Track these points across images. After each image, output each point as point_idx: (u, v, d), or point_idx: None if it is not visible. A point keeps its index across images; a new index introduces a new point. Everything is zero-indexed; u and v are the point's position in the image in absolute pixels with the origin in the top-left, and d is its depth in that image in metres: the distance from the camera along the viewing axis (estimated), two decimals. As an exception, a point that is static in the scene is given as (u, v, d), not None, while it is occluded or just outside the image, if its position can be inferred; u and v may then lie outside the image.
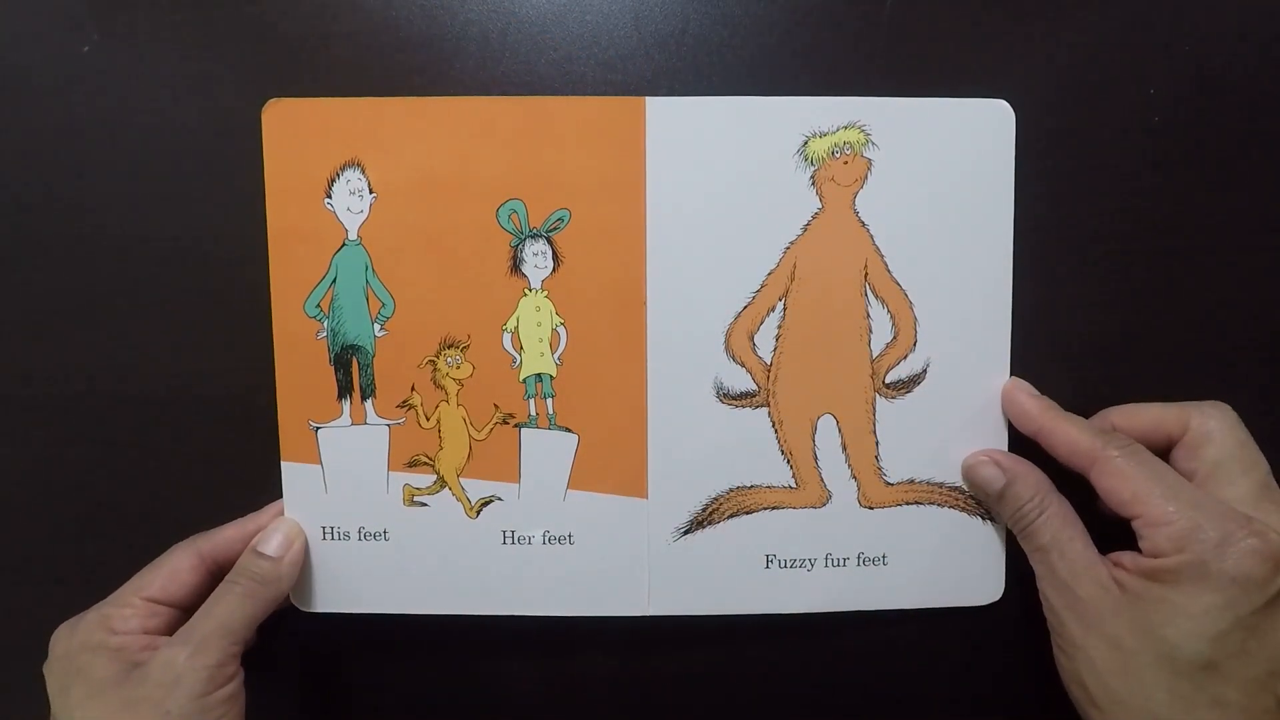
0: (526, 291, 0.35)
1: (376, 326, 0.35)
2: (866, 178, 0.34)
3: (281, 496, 0.35)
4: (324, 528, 0.35)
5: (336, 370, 0.35)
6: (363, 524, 0.35)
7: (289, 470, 0.35)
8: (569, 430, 0.35)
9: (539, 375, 0.35)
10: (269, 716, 0.38)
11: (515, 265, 0.35)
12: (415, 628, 0.36)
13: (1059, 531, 0.31)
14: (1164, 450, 0.32)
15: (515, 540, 0.35)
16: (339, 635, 0.37)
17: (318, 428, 0.35)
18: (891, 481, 0.35)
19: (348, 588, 0.35)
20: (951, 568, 0.35)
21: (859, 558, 0.35)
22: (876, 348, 0.35)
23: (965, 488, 0.35)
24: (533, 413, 0.35)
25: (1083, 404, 0.34)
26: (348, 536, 0.35)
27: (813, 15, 0.35)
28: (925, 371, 0.35)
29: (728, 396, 0.35)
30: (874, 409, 0.35)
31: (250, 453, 0.36)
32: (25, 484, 0.37)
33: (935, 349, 0.35)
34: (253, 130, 0.34)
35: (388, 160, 0.34)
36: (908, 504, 0.35)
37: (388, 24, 0.35)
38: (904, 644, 0.37)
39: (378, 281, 0.35)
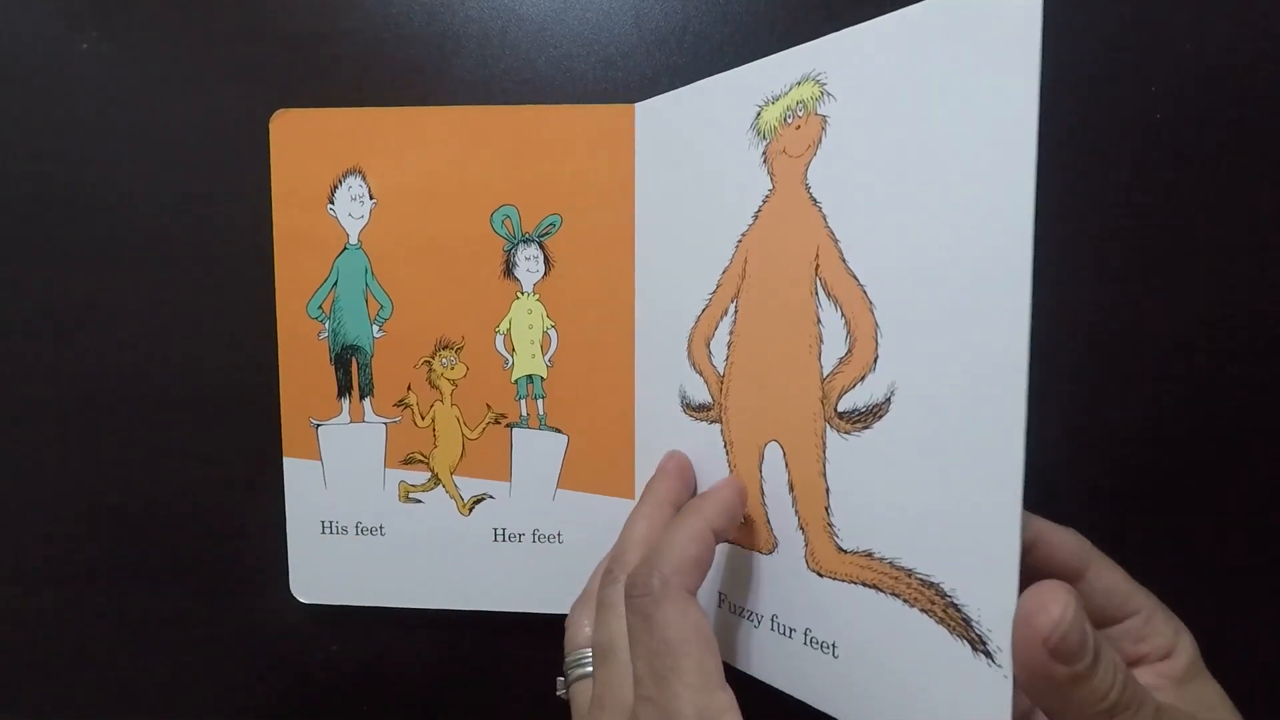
0: (519, 295, 0.36)
1: (375, 328, 0.36)
2: (820, 141, 0.26)
3: (283, 491, 0.37)
4: (323, 522, 0.36)
5: (336, 369, 0.36)
6: (360, 519, 0.36)
7: (290, 465, 0.36)
8: (559, 431, 0.36)
9: (530, 376, 0.36)
10: (264, 706, 0.40)
11: (508, 269, 0.36)
12: (408, 621, 0.37)
13: (1154, 700, 0.22)
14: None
15: (506, 538, 0.36)
16: (335, 627, 0.38)
17: (318, 425, 0.36)
18: (845, 547, 0.26)
19: (344, 581, 0.37)
20: (921, 695, 0.24)
21: (806, 636, 0.28)
22: (829, 363, 0.27)
23: (947, 590, 0.23)
24: (524, 413, 0.36)
25: (1078, 403, 0.34)
26: (345, 531, 0.36)
27: (812, 12, 0.35)
28: (888, 401, 0.25)
29: (689, 407, 0.32)
30: (824, 444, 0.27)
31: (252, 448, 0.37)
32: (28, 484, 0.39)
33: (903, 370, 0.24)
34: (252, 128, 0.35)
35: (388, 168, 0.35)
36: (864, 585, 0.26)
37: (388, 22, 0.36)
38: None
39: (377, 284, 0.36)
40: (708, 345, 0.31)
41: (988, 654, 0.22)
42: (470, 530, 0.36)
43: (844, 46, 0.26)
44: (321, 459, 0.36)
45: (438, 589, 0.37)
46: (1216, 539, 0.35)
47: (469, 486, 0.36)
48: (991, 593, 0.22)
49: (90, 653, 0.39)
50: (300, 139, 0.36)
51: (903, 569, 0.25)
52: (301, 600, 0.37)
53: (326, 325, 0.36)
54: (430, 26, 0.36)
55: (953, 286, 0.23)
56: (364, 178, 0.36)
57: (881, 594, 0.25)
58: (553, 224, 0.35)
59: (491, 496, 0.36)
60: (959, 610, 0.23)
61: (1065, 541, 0.26)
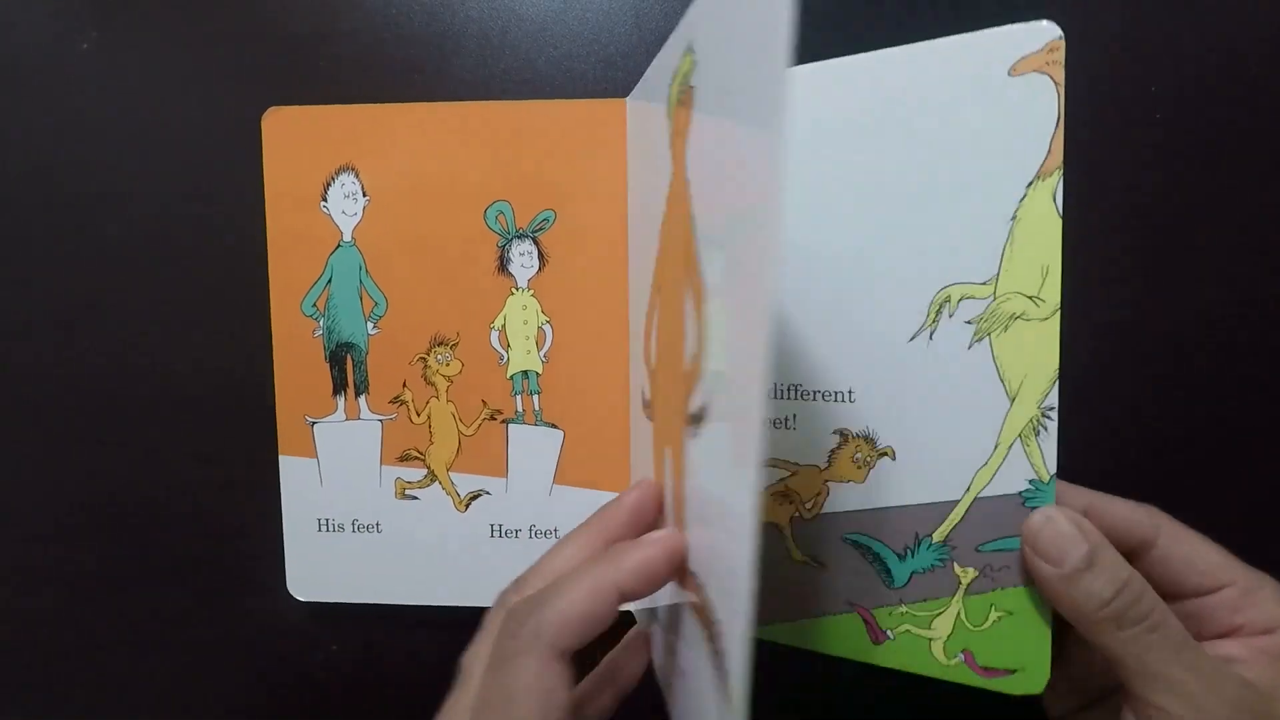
0: (513, 291, 0.36)
1: (369, 325, 0.36)
2: (691, 117, 0.24)
3: (279, 489, 0.36)
4: (319, 520, 0.36)
5: (331, 367, 0.36)
6: (356, 516, 0.36)
7: (286, 464, 0.36)
8: (554, 426, 0.36)
9: (525, 372, 0.36)
10: (263, 705, 0.40)
11: (502, 265, 0.35)
12: (406, 618, 0.37)
13: (1186, 637, 0.25)
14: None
15: (503, 534, 0.36)
16: (333, 625, 0.38)
17: (313, 422, 0.36)
18: (690, 564, 0.25)
19: (341, 578, 0.37)
20: None
21: (678, 652, 0.27)
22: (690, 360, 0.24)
23: (715, 619, 0.21)
24: (519, 409, 0.36)
25: (1077, 404, 0.33)
26: (342, 529, 0.36)
27: (814, 12, 0.34)
28: (706, 407, 0.22)
29: (645, 405, 0.31)
30: (684, 448, 0.24)
31: (248, 447, 0.37)
32: (26, 483, 0.38)
33: (720, 366, 0.21)
34: (252, 129, 0.35)
35: (380, 165, 0.35)
36: (690, 606, 0.24)
37: (388, 22, 0.36)
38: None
39: (370, 281, 0.36)
40: (649, 340, 0.30)
41: (728, 695, 0.20)
42: (467, 526, 0.36)
43: (705, 9, 0.23)
44: (317, 457, 0.36)
45: (435, 585, 0.37)
46: (1216, 539, 0.34)
47: (466, 483, 0.36)
48: (732, 627, 0.19)
49: (88, 653, 0.40)
50: (292, 136, 0.36)
51: (705, 592, 0.22)
52: (299, 598, 0.37)
53: (321, 323, 0.36)
54: (430, 26, 0.36)
55: (739, 277, 0.20)
56: (356, 175, 0.36)
57: (695, 618, 0.23)
58: (546, 219, 0.35)
59: (488, 492, 0.36)
60: (719, 642, 0.21)
61: (1124, 513, 0.27)
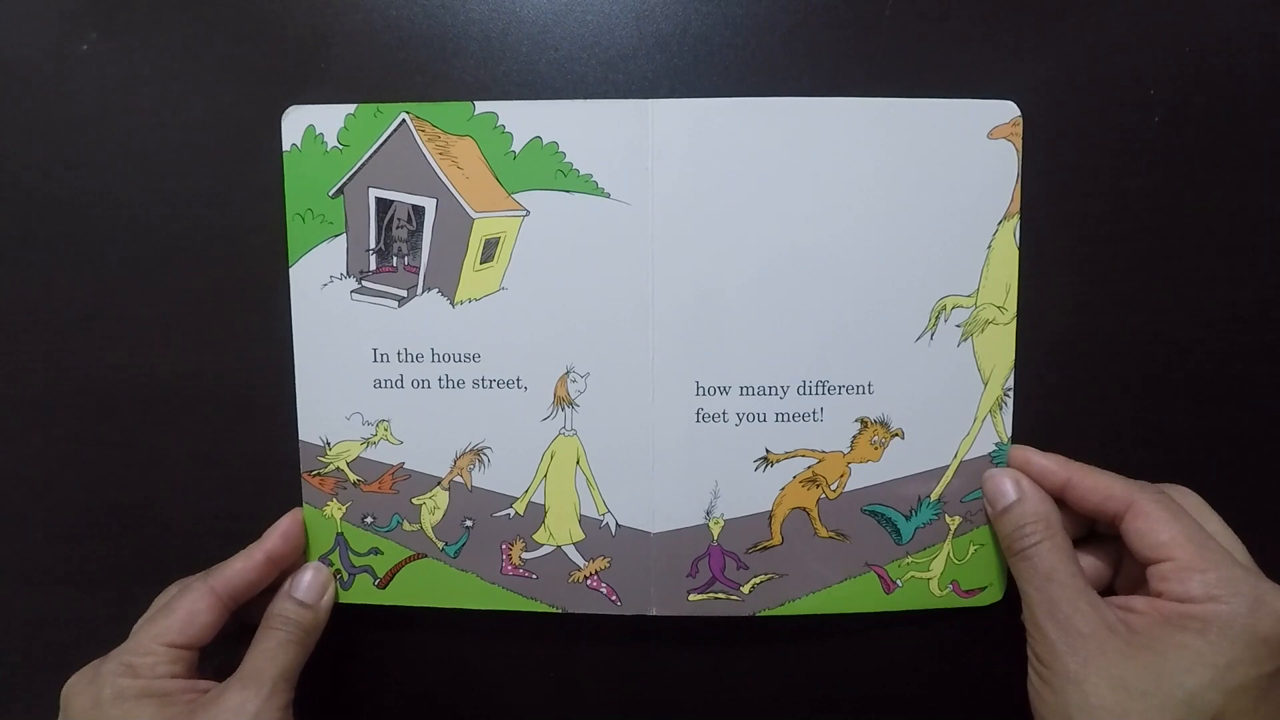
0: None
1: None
2: None
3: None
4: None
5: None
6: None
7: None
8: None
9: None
10: None
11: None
12: (413, 619, 0.37)
13: (1064, 563, 0.31)
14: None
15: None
16: (336, 626, 0.35)
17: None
18: None
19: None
20: None
21: None
22: None
23: None
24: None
25: (1086, 399, 0.36)
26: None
27: (814, 15, 0.35)
28: None
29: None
30: None
31: (260, 450, 0.36)
32: (37, 485, 0.37)
33: None
34: (253, 129, 0.34)
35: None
36: None
37: (388, 24, 0.34)
38: (901, 646, 0.39)
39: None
40: None
41: None
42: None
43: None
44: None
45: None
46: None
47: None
48: None
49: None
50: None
51: None
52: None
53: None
54: (430, 28, 0.35)
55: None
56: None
57: None
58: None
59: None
60: None
61: (1099, 486, 0.32)
